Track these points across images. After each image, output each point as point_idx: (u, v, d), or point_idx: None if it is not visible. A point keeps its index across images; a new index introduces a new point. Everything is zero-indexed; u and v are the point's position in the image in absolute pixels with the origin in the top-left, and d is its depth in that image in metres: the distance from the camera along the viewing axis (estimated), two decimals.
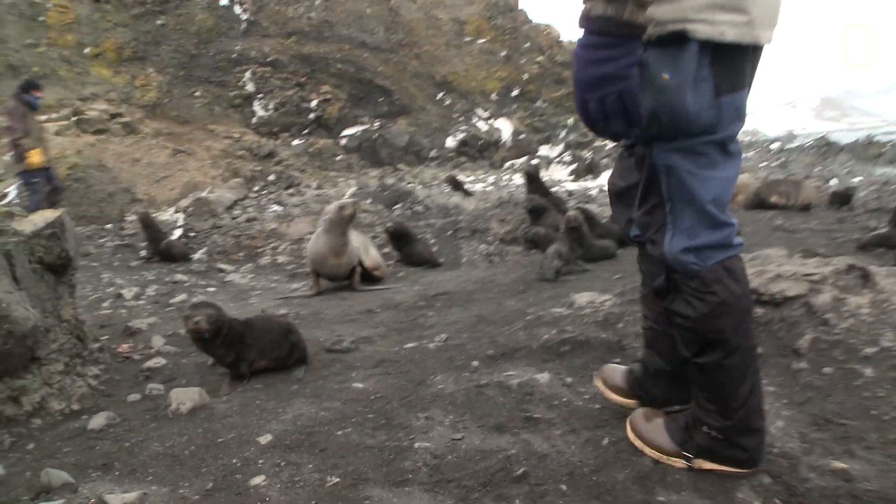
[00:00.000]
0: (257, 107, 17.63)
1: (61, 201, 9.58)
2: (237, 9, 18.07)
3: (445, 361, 3.45)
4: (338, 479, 2.26)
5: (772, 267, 2.98)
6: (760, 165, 17.00)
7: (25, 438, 2.96)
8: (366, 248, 7.03)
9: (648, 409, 2.23)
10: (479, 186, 13.75)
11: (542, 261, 5.99)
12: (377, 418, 2.77)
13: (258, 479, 2.34)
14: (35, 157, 9.10)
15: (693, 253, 1.82)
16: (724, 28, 1.62)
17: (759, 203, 9.69)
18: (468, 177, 15.71)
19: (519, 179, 14.11)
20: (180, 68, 16.09)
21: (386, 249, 8.23)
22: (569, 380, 2.88)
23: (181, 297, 6.37)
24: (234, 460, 2.53)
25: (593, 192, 11.56)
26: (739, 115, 1.77)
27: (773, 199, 9.61)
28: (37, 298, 3.48)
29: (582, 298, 3.83)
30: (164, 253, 8.05)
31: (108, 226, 9.99)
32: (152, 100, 14.71)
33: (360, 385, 3.24)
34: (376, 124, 19.92)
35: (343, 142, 19.25)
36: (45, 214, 3.76)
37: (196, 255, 8.45)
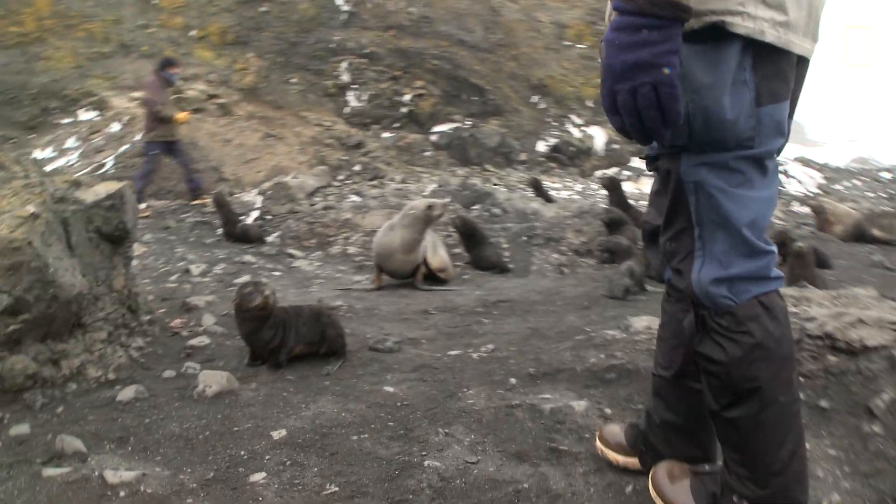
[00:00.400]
0: (351, 97, 17.90)
1: (199, 192, 10.23)
2: (339, 0, 18.44)
3: (484, 375, 3.25)
4: (337, 489, 2.12)
5: (854, 310, 2.60)
6: (866, 194, 15.66)
7: (57, 401, 2.99)
8: (434, 247, 6.89)
9: (675, 464, 1.93)
10: (564, 194, 13.38)
11: (613, 276, 5.66)
12: (397, 427, 2.61)
13: (259, 476, 2.23)
14: (181, 115, 9.79)
15: (725, 285, 1.57)
16: (765, 26, 1.41)
17: (858, 235, 8.86)
18: (555, 183, 15.34)
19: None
20: (279, 55, 16.56)
21: (457, 250, 8.07)
22: (608, 411, 2.62)
23: (245, 277, 6.46)
24: (243, 452, 2.44)
25: None
26: (781, 130, 1.55)
27: (875, 232, 8.77)
28: (90, 266, 3.54)
29: (640, 322, 3.52)
30: (240, 235, 8.22)
31: (194, 202, 10.34)
32: (250, 83, 15.19)
33: (390, 389, 3.09)
34: (468, 123, 19.78)
35: (433, 138, 19.20)
36: (107, 186, 3.84)
37: (269, 239, 8.60)
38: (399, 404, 2.88)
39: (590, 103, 22.62)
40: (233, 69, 15.42)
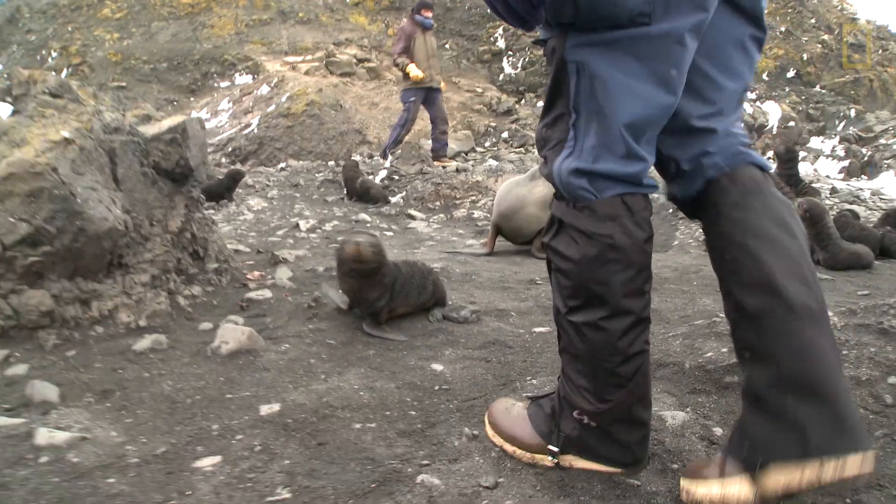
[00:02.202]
0: (505, 64, 17.23)
1: (440, 154, 10.11)
2: None
3: None
4: (288, 496, 1.52)
5: None
6: None
7: (71, 344, 2.69)
8: None
9: (510, 398, 1.84)
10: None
11: None
12: (416, 419, 1.97)
13: (209, 461, 1.71)
14: (413, 71, 9.60)
15: (587, 177, 1.42)
16: None
17: None
18: None
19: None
20: (434, 19, 16.30)
21: None
22: (716, 431, 1.78)
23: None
24: (216, 426, 1.94)
25: (864, 194, 9.13)
26: (698, 2, 1.30)
27: None
28: (141, 204, 3.24)
29: None
30: (361, 194, 7.92)
31: (331, 163, 10.29)
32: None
33: (439, 367, 2.46)
34: None
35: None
36: (173, 119, 3.52)
37: (393, 199, 8.24)
38: (438, 388, 2.23)
39: (765, 76, 20.19)
40: (386, 34, 15.36)
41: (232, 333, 2.59)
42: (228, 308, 3.40)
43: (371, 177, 8.86)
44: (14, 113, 3.29)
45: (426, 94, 9.82)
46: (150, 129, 3.38)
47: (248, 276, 4.13)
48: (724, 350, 2.23)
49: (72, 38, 14.36)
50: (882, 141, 15.80)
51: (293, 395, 2.16)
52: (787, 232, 1.36)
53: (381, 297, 2.98)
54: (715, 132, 1.48)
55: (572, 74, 1.39)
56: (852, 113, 18.29)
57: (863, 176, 10.64)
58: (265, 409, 2.03)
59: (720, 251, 1.44)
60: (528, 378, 2.28)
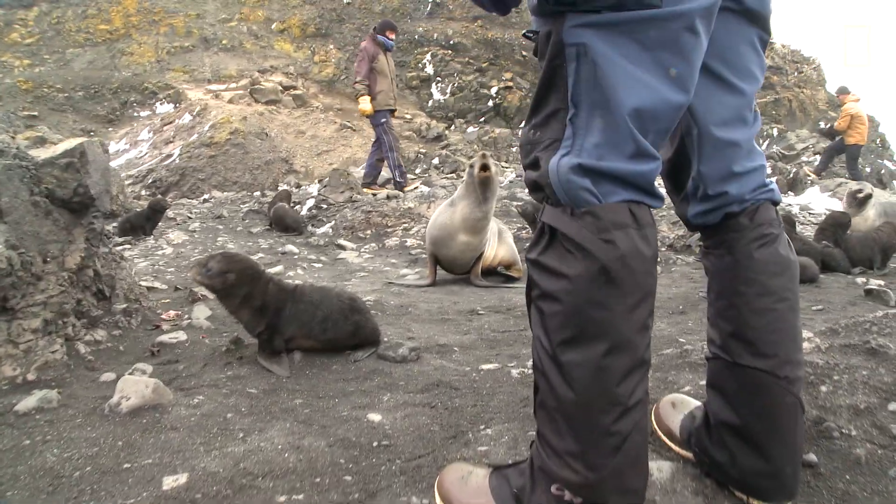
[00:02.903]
0: (434, 90, 17.19)
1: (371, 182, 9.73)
2: None
3: (517, 403, 2.26)
4: None
5: None
6: None
7: None
8: (501, 237, 5.89)
9: (464, 462, 1.55)
10: (662, 190, 12.07)
11: None
12: (352, 488, 1.67)
13: None
14: (363, 104, 9.25)
15: (591, 177, 1.18)
16: None
17: None
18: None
19: None
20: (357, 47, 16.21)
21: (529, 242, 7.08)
22: (707, 483, 1.55)
23: (278, 269, 5.74)
24: None
25: (794, 210, 9.53)
26: None
27: None
28: (33, 237, 2.83)
29: None
30: (275, 221, 7.57)
31: (256, 193, 9.85)
32: (328, 76, 14.78)
33: (376, 418, 2.16)
34: None
35: (521, 132, 18.27)
36: (70, 141, 3.13)
37: (321, 229, 7.89)
38: (377, 444, 1.94)
39: None
40: (312, 61, 15.08)
41: (134, 387, 2.22)
42: (137, 354, 3.02)
43: (297, 206, 8.50)
44: None
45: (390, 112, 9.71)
46: (42, 153, 2.99)
47: (163, 317, 3.74)
48: (702, 383, 2.03)
49: None
50: (804, 158, 16.59)
51: (204, 460, 1.82)
52: (789, 290, 1.41)
53: (255, 321, 2.79)
54: (738, 146, 1.41)
55: (571, 60, 1.18)
56: (775, 132, 19.15)
57: (790, 192, 11.05)
58: (169, 482, 1.69)
59: (721, 286, 1.47)
60: (481, 427, 2.02)
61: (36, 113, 11.97)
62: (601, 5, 1.14)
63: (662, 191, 1.35)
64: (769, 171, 16.10)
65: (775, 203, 1.47)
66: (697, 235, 6.57)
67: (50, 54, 13.71)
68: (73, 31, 14.25)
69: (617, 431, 1.18)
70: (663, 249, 6.54)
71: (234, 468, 1.76)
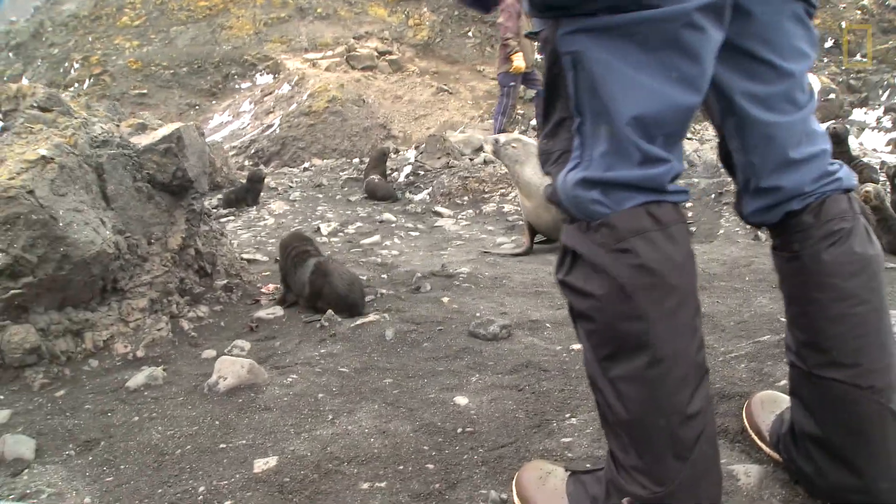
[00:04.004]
0: None
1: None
2: None
3: None
4: None
5: None
6: None
7: (61, 382, 2.47)
8: None
9: (545, 460, 1.54)
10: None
11: None
12: (434, 477, 1.66)
13: None
14: (518, 61, 8.81)
15: (599, 188, 1.11)
16: None
17: None
18: None
19: None
20: (455, 8, 15.88)
21: None
22: (798, 492, 1.43)
23: (374, 238, 5.82)
24: (202, 488, 1.68)
25: None
26: None
27: None
28: (137, 221, 3.00)
29: None
30: (369, 194, 7.66)
31: (356, 160, 10.02)
32: (423, 39, 14.66)
33: (463, 401, 2.15)
34: None
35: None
36: (168, 127, 3.27)
37: (418, 196, 7.93)
38: (461, 430, 1.92)
39: None
40: (407, 25, 15.03)
41: (231, 367, 2.32)
42: (237, 330, 3.16)
43: (394, 173, 8.57)
44: (3, 130, 3.07)
45: (525, 77, 9.16)
46: (142, 140, 3.13)
47: (263, 290, 3.89)
48: None
49: (92, 49, 14.37)
50: None
51: (294, 443, 1.87)
52: (871, 289, 1.25)
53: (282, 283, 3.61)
54: (790, 129, 1.25)
55: (568, 69, 1.12)
56: None
57: None
58: (260, 465, 1.75)
59: (791, 291, 1.34)
60: (567, 415, 1.96)
61: (145, 91, 12.72)
62: (596, 8, 1.06)
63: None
64: (889, 124, 14.64)
65: (847, 190, 1.30)
66: None
67: (156, 34, 14.47)
68: (175, 10, 14.94)
69: (679, 443, 1.12)
70: None
71: (322, 452, 1.80)
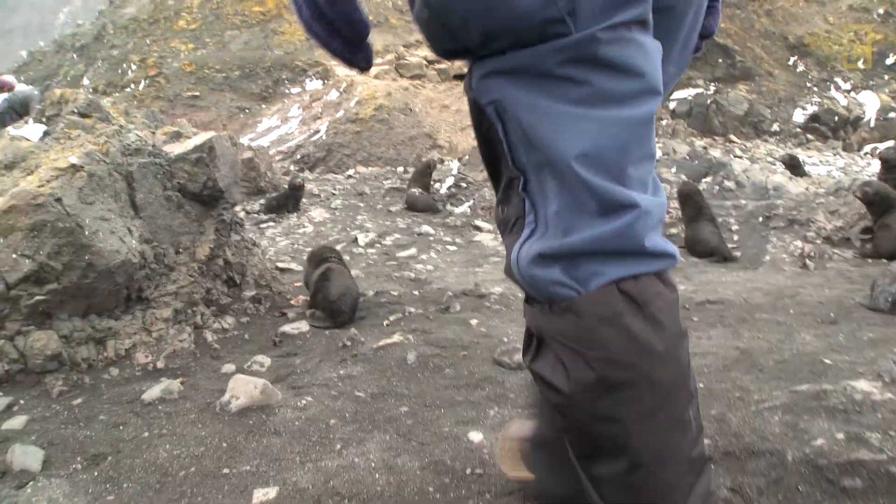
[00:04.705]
0: None
1: None
2: None
3: None
4: None
5: None
6: None
7: (80, 390, 2.47)
8: None
9: None
10: (820, 170, 10.81)
11: (878, 278, 3.87)
12: None
13: None
14: None
15: (560, 264, 0.95)
16: None
17: None
18: (811, 157, 12.64)
19: (877, 167, 10.78)
20: None
21: (673, 230, 6.66)
22: None
23: (411, 251, 5.78)
24: None
25: None
26: None
27: None
28: (166, 231, 3.01)
29: None
30: (410, 207, 7.66)
31: (399, 169, 10.03)
32: None
33: (478, 438, 2.06)
34: (711, 88, 17.53)
35: (672, 105, 17.37)
36: (201, 136, 3.28)
37: (459, 209, 7.88)
38: (470, 472, 1.84)
39: (861, 64, 18.67)
40: None
41: (244, 387, 2.28)
42: (260, 343, 3.14)
43: (437, 184, 8.54)
44: (45, 135, 3.13)
45: None
46: (175, 149, 3.15)
47: (292, 302, 3.87)
48: (840, 436, 1.72)
49: (150, 51, 14.81)
50: None
51: (297, 474, 1.82)
52: None
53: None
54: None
55: (496, 121, 0.99)
56: None
57: None
58: (259, 496, 1.70)
59: None
60: None
61: (198, 93, 13.03)
62: (501, 46, 0.94)
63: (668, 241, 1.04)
64: None
65: None
66: (858, 227, 5.81)
67: (210, 38, 14.82)
68: (230, 15, 15.28)
69: None
70: (818, 242, 5.83)
71: (324, 486, 1.74)
